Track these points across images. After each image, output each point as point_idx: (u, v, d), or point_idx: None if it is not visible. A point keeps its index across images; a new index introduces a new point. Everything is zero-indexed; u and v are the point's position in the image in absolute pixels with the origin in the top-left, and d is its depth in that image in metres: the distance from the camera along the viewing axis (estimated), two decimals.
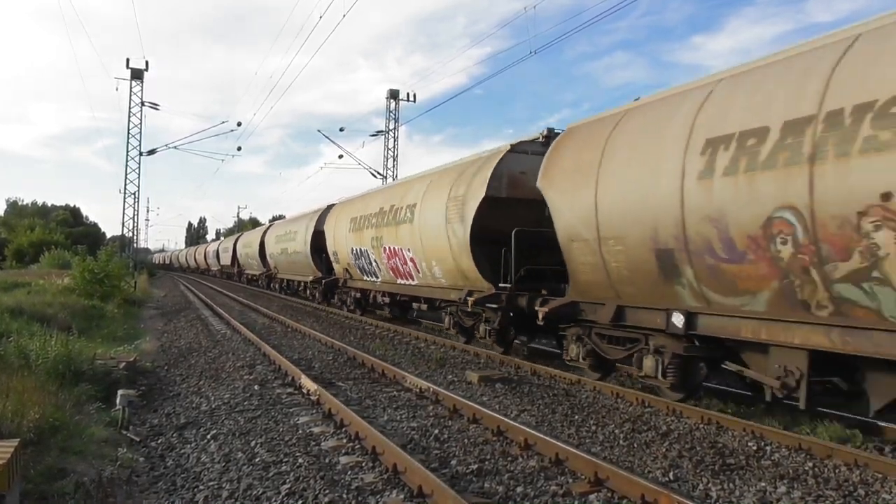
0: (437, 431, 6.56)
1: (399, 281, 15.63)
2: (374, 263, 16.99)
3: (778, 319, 6.20)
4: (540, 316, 9.45)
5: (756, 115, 6.19)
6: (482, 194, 11.15)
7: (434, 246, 12.91)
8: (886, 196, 4.97)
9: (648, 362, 7.88)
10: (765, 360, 6.60)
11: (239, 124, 37.98)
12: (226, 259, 48.81)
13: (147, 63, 36.69)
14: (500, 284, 11.10)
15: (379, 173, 36.33)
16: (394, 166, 36.44)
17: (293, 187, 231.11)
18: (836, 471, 5.52)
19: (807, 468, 5.57)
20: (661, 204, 7.16)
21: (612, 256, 8.07)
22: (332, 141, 35.67)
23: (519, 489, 4.95)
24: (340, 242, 19.85)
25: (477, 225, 11.29)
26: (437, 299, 14.00)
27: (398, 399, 8.16)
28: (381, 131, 36.81)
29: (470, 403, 7.31)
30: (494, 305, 11.23)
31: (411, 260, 14.31)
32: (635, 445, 6.25)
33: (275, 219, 60.98)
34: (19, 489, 4.14)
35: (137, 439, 6.24)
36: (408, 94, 37.03)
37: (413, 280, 14.76)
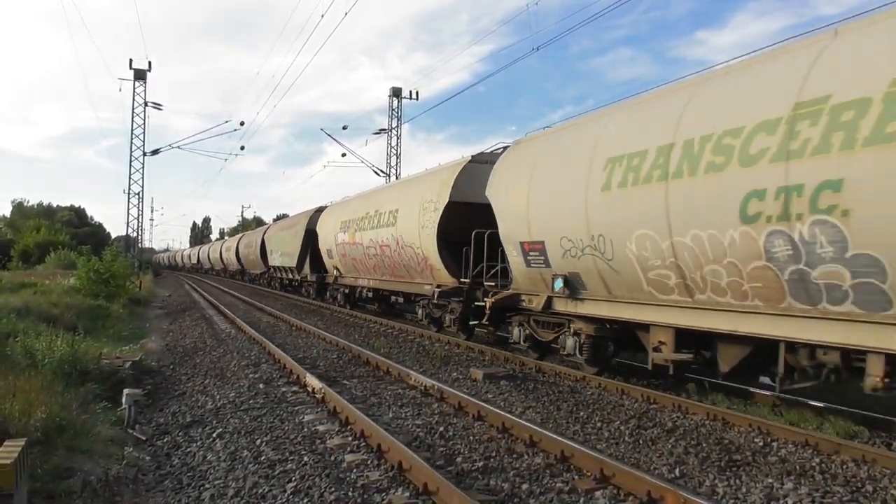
0: (441, 429, 6.55)
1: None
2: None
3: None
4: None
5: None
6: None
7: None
8: None
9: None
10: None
11: (242, 124, 37.86)
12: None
13: (150, 63, 36.71)
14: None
15: (382, 171, 36.30)
16: (397, 164, 36.43)
17: (297, 186, 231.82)
18: (844, 467, 5.51)
19: (814, 464, 5.55)
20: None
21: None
22: (334, 139, 35.70)
23: (524, 486, 4.94)
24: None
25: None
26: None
27: (403, 397, 8.16)
28: (384, 129, 36.78)
29: (474, 401, 7.31)
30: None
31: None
32: (641, 442, 6.24)
33: (278, 218, 61.04)
34: (26, 488, 4.15)
35: (143, 438, 6.26)
36: (410, 93, 37.01)
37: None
